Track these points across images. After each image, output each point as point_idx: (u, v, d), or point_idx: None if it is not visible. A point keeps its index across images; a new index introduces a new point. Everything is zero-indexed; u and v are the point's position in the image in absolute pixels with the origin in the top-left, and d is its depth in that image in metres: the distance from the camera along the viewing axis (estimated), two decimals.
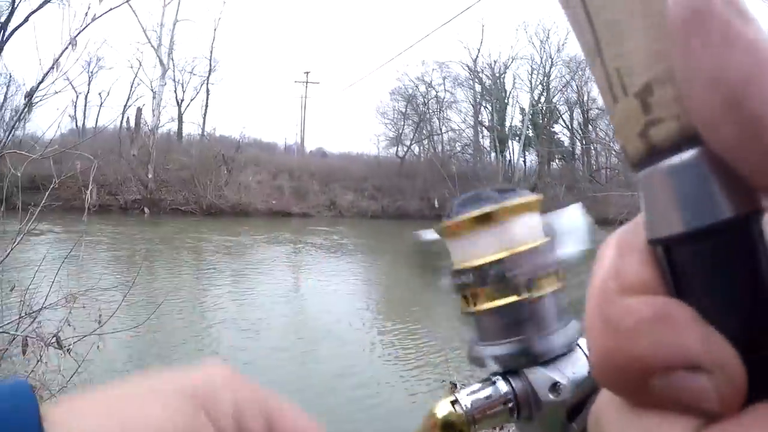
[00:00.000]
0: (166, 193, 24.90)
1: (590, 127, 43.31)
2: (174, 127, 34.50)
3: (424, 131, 39.29)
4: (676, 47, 0.16)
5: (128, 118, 29.59)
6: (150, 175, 24.51)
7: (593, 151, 43.01)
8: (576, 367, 0.42)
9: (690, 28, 0.15)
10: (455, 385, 4.59)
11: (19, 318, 3.82)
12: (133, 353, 7.41)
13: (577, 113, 43.59)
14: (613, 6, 0.18)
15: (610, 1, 0.18)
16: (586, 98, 42.38)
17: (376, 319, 10.66)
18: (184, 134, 35.04)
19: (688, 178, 0.17)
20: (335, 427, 5.44)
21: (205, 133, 33.27)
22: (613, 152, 42.08)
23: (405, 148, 38.63)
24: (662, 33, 0.16)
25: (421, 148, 40.07)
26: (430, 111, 39.24)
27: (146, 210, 22.87)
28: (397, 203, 31.70)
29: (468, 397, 0.42)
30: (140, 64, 30.64)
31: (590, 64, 0.20)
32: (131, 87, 31.09)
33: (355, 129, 77.29)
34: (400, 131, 38.74)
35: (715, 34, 0.15)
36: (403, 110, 38.75)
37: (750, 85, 0.15)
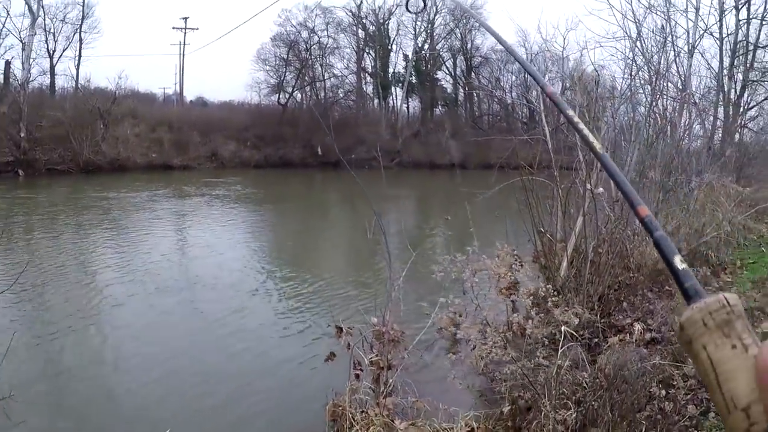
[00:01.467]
0: (41, 153, 23.99)
1: (473, 74, 45.15)
2: (46, 80, 32.81)
3: (306, 78, 39.28)
4: (760, 385, 0.33)
5: None
6: (22, 134, 23.37)
7: (476, 98, 45.02)
8: None
9: (764, 378, 0.33)
10: (341, 329, 5.11)
11: None
12: (17, 316, 7.76)
13: (461, 60, 45.14)
14: (728, 363, 0.36)
15: (727, 361, 0.37)
16: (469, 46, 44.08)
17: (262, 266, 11.34)
18: (57, 88, 33.36)
19: None
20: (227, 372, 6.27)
21: (79, 86, 31.59)
22: (495, 99, 44.65)
23: (287, 96, 38.68)
24: (753, 377, 0.34)
25: (304, 95, 40.25)
26: (313, 57, 39.20)
27: (20, 172, 22.07)
28: (280, 152, 32.07)
29: None
30: (8, 13, 29.02)
31: (709, 388, 0.38)
32: None
33: (235, 77, 73.74)
34: (282, 78, 38.64)
35: None
36: (285, 56, 38.50)
37: None
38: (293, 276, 10.39)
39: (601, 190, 6.89)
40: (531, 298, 6.32)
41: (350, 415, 4.51)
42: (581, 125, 0.69)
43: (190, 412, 5.58)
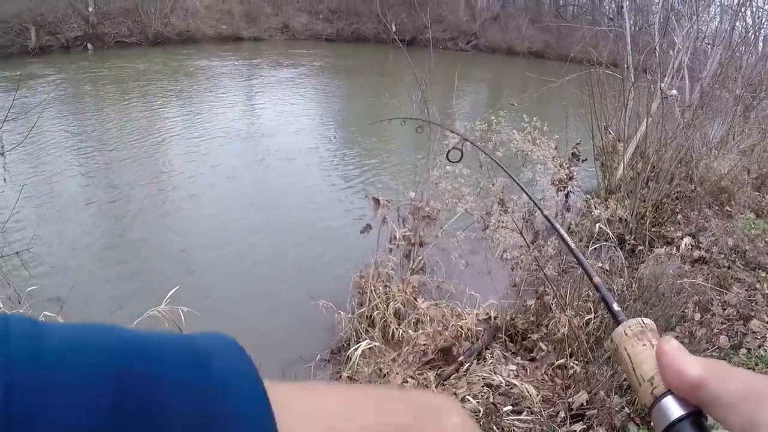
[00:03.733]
0: (110, 26, 23.29)
1: None
2: None
3: None
4: (659, 362, 0.49)
5: None
6: (90, 9, 22.65)
7: None
8: None
9: (660, 356, 0.50)
10: (378, 201, 5.10)
11: None
12: (91, 180, 8.20)
13: None
14: (640, 354, 0.53)
15: (639, 353, 0.53)
16: None
17: (323, 136, 11.32)
18: None
19: (667, 404, 0.47)
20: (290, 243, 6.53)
21: None
22: None
23: None
24: (654, 362, 0.50)
25: None
26: None
27: (89, 46, 22.07)
28: (353, 26, 31.09)
29: None
30: None
31: (629, 376, 0.53)
32: None
33: None
34: None
35: (668, 358, 0.49)
36: None
37: (683, 367, 0.47)
38: (351, 147, 10.39)
39: (674, 92, 6.36)
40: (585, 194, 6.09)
41: (372, 288, 4.56)
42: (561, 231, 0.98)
43: (229, 270, 5.87)
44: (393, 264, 4.98)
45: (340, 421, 0.34)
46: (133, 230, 6.70)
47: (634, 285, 4.41)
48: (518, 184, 1.56)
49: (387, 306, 4.43)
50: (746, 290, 4.91)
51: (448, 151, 2.59)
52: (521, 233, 4.57)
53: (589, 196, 6.48)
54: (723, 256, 5.64)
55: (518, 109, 7.44)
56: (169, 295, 3.60)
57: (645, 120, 6.62)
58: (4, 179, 6.24)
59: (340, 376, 3.92)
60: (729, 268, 5.35)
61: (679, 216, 6.67)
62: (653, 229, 6.33)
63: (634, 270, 5.01)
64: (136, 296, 4.99)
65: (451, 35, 31.62)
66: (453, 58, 24.26)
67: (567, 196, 6.91)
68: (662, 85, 6.23)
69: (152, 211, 7.16)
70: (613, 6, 33.90)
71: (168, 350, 0.30)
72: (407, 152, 9.54)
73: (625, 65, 7.24)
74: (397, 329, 4.33)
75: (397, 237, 5.08)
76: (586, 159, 7.31)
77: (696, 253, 5.75)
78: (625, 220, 5.87)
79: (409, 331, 4.23)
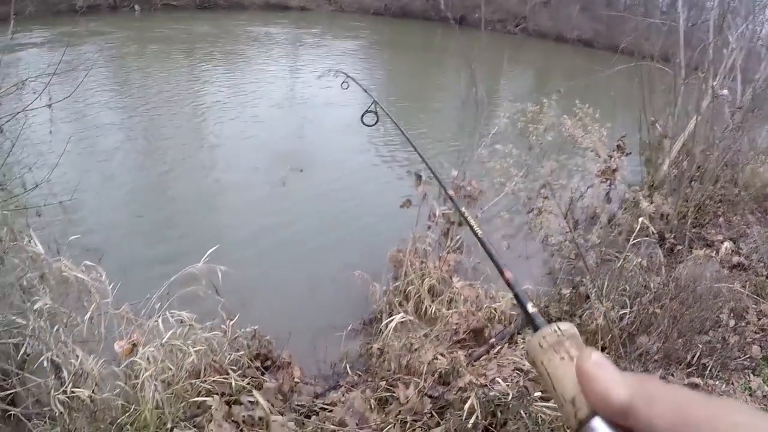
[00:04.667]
0: None
1: None
2: None
3: None
4: (580, 381, 0.46)
5: None
6: None
7: None
8: None
9: (580, 376, 0.46)
10: (420, 177, 5.08)
11: None
12: (132, 135, 8.47)
13: None
14: (558, 370, 0.49)
15: (557, 369, 0.49)
16: None
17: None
18: None
19: (596, 430, 0.44)
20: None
21: None
22: None
23: None
24: (575, 378, 0.46)
25: None
26: None
27: (136, 7, 21.93)
28: (402, 1, 31.09)
29: None
30: None
31: (551, 394, 0.49)
32: None
33: None
34: None
35: (587, 376, 0.45)
36: None
37: (607, 392, 0.43)
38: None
39: (725, 91, 6.21)
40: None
41: (409, 263, 4.62)
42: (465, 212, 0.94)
43: (270, 239, 5.95)
44: (431, 241, 5.02)
45: None
46: (176, 191, 6.87)
47: (671, 284, 4.39)
48: (421, 155, 1.52)
49: (422, 282, 4.49)
50: None
51: (363, 114, 2.48)
52: (565, 218, 4.56)
53: (637, 187, 6.42)
54: (762, 264, 5.55)
55: (566, 96, 7.35)
56: (208, 253, 3.52)
57: (694, 118, 6.50)
58: (51, 131, 6.41)
59: (370, 348, 3.99)
60: None
61: (721, 219, 6.57)
62: (693, 230, 6.25)
63: (671, 269, 4.97)
64: (176, 253, 5.10)
65: (500, 17, 31.09)
66: (501, 40, 23.89)
67: (610, 187, 6.85)
68: (714, 83, 6.09)
69: (199, 181, 7.27)
70: None
71: None
72: (453, 131, 9.51)
73: (677, 60, 7.10)
74: (430, 306, 4.39)
75: (437, 214, 5.11)
76: (631, 152, 7.22)
77: (735, 259, 5.67)
78: (667, 217, 5.81)
79: (443, 309, 4.29)
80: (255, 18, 23.02)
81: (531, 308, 0.61)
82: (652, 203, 5.43)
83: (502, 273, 0.74)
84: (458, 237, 5.34)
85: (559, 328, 0.52)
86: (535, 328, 0.55)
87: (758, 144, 7.93)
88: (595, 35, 28.35)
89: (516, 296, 0.67)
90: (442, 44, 21.64)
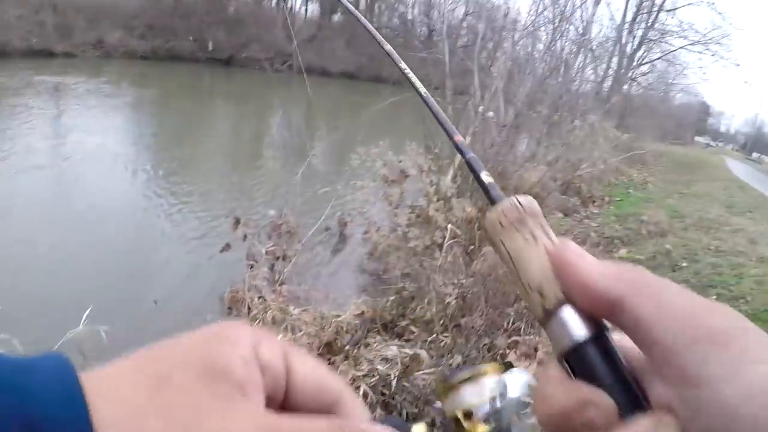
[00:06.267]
0: None
1: None
2: None
3: None
4: (557, 269, 0.38)
5: None
6: None
7: (377, 9, 44.18)
8: None
9: (558, 263, 0.38)
10: (238, 220, 5.33)
11: None
12: None
13: None
14: (522, 253, 0.41)
15: (520, 251, 0.41)
16: None
17: (151, 161, 10.49)
18: None
19: (566, 321, 0.37)
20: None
21: None
22: (396, 13, 43.96)
23: None
24: (543, 263, 0.39)
25: None
26: None
27: None
28: (169, 44, 30.23)
29: None
30: None
31: (514, 281, 0.41)
32: None
33: None
34: None
35: (566, 264, 0.37)
36: None
37: (595, 284, 0.35)
38: (186, 175, 10.34)
39: (491, 114, 7.44)
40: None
41: (249, 300, 4.89)
42: (407, 70, 0.76)
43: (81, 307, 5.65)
44: (261, 277, 5.34)
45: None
46: None
47: (477, 275, 5.27)
48: None
49: (265, 314, 4.78)
50: None
51: None
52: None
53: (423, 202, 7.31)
54: None
55: (348, 129, 7.98)
56: None
57: (468, 138, 7.67)
58: None
59: None
60: None
61: None
62: (479, 231, 7.34)
63: (470, 265, 5.90)
64: None
65: (267, 55, 31.88)
66: (269, 79, 24.51)
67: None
68: (480, 108, 7.29)
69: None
70: (425, 30, 36.69)
71: None
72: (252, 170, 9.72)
73: (446, 89, 8.27)
74: (279, 335, 4.69)
75: (263, 252, 5.45)
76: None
77: None
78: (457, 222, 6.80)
79: (289, 334, 4.62)
80: (15, 67, 20.83)
81: (486, 177, 0.50)
82: (466, 209, 6.28)
83: (451, 137, 0.63)
84: (285, 270, 5.70)
85: (519, 203, 0.44)
86: (492, 201, 0.47)
87: (522, 153, 9.44)
88: (358, 68, 30.28)
89: (468, 163, 0.55)
90: (210, 89, 21.50)
